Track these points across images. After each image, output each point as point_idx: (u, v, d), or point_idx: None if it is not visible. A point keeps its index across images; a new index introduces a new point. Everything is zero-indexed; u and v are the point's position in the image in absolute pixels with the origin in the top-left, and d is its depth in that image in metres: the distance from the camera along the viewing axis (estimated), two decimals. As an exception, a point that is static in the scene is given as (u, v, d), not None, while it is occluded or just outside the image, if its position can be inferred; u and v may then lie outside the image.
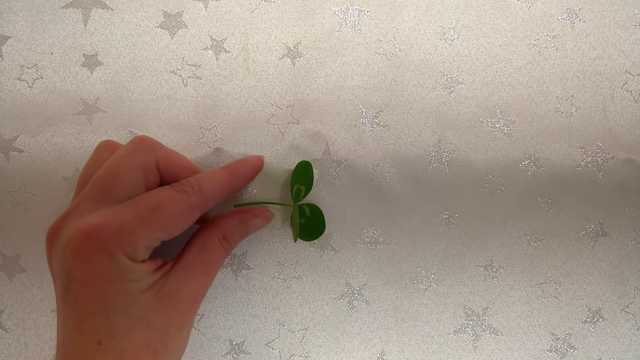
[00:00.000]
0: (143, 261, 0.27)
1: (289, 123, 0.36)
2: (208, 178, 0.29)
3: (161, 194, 0.27)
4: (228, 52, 0.36)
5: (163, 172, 0.29)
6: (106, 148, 0.30)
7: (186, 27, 0.36)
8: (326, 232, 0.36)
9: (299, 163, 0.35)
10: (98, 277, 0.25)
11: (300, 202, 0.35)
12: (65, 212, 0.27)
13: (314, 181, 0.35)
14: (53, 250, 0.26)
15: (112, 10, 0.36)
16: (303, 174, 0.34)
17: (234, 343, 0.35)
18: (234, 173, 0.32)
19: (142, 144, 0.28)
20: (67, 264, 0.25)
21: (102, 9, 0.36)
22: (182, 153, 0.35)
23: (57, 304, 0.27)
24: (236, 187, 0.32)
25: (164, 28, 0.36)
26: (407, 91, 0.37)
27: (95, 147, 0.34)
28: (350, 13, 0.37)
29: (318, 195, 0.36)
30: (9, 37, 0.35)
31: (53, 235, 0.27)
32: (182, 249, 0.30)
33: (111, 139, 0.35)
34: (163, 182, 0.30)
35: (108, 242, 0.25)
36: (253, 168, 0.34)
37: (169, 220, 0.27)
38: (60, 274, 0.26)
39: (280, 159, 0.36)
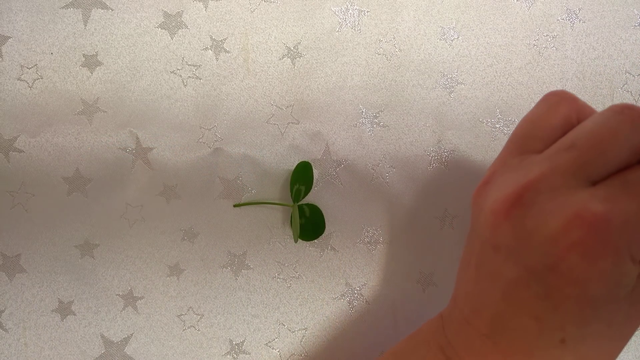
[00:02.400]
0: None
1: (289, 123, 0.36)
2: None
3: None
4: (228, 52, 0.36)
5: None
6: (563, 102, 0.25)
7: (186, 27, 0.36)
8: (326, 232, 0.36)
9: (298, 164, 0.35)
10: (595, 279, 0.21)
11: (300, 203, 0.35)
12: (534, 178, 0.22)
13: (314, 181, 0.36)
14: (518, 222, 0.22)
15: (112, 10, 0.36)
16: (303, 175, 0.35)
17: (234, 343, 0.36)
18: None
19: (634, 122, 0.22)
20: (557, 250, 0.21)
21: (102, 9, 0.36)
22: (181, 153, 0.35)
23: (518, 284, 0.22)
24: None
25: (164, 28, 0.36)
26: (407, 91, 0.37)
27: (94, 146, 0.35)
28: (350, 13, 0.37)
29: (318, 195, 0.36)
30: (9, 37, 0.35)
31: (522, 204, 0.22)
32: None
33: (109, 137, 0.35)
34: None
35: (616, 238, 0.20)
36: None
37: None
38: (530, 253, 0.22)
39: (280, 159, 0.36)
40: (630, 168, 0.22)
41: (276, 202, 0.35)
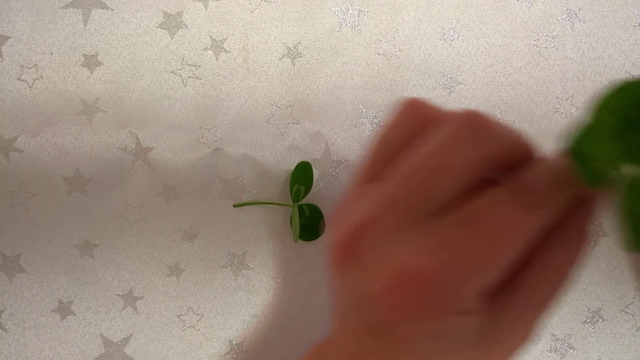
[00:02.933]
0: (473, 309, 0.19)
1: (288, 123, 0.36)
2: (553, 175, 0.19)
3: (498, 211, 0.18)
4: (228, 52, 0.36)
5: None
6: (417, 116, 0.21)
7: (186, 27, 0.36)
8: (326, 232, 0.36)
9: (298, 164, 0.35)
10: (422, 337, 0.19)
11: (300, 203, 0.35)
12: (361, 220, 0.19)
13: (314, 181, 0.36)
14: (348, 275, 0.20)
15: (112, 10, 0.36)
16: (302, 175, 0.35)
17: (233, 343, 0.35)
18: None
19: (480, 135, 0.19)
20: (381, 311, 0.19)
21: (102, 9, 0.36)
22: (181, 153, 0.35)
23: (342, 319, 0.21)
24: None
25: (164, 28, 0.36)
26: (407, 91, 0.37)
27: (94, 146, 0.35)
28: (350, 13, 0.37)
29: (318, 195, 0.36)
30: (9, 37, 0.35)
31: (349, 255, 0.19)
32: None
33: (109, 137, 0.35)
34: None
35: (437, 295, 0.18)
36: None
37: (511, 255, 0.18)
38: (362, 309, 0.20)
39: (280, 159, 0.36)
40: (469, 196, 0.19)
41: (276, 202, 0.35)
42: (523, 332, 0.21)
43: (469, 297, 0.18)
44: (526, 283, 0.20)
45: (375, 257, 0.19)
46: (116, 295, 0.35)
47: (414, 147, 0.20)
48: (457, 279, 0.18)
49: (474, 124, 0.19)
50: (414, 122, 0.21)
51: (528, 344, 0.21)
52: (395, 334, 0.19)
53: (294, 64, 0.36)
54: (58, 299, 0.35)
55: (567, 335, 0.37)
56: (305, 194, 0.35)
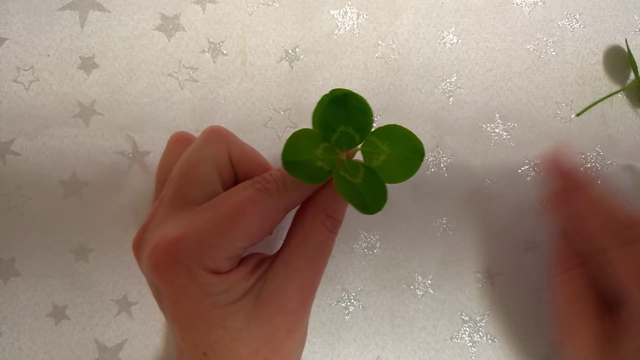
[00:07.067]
0: (230, 270, 0.24)
1: (286, 127, 0.36)
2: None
3: (240, 195, 0.24)
4: (225, 55, 0.36)
5: (237, 167, 0.27)
6: (178, 141, 0.29)
7: (183, 29, 0.36)
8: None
9: (329, 93, 0.23)
10: (183, 295, 0.23)
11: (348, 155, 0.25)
12: (147, 219, 0.26)
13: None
14: (140, 262, 0.25)
15: (109, 12, 0.36)
16: (346, 111, 0.22)
17: (229, 348, 0.35)
18: None
19: (213, 135, 0.26)
20: (152, 281, 0.25)
21: (99, 11, 0.36)
22: (178, 157, 0.35)
23: None
24: None
25: (161, 30, 0.36)
26: (405, 95, 0.36)
27: (91, 149, 0.35)
28: (349, 16, 0.37)
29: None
30: (6, 39, 0.35)
31: (137, 247, 0.26)
32: (284, 241, 0.27)
33: (106, 141, 0.35)
34: (238, 180, 0.27)
35: (185, 258, 0.23)
36: None
37: (251, 227, 0.24)
38: (151, 287, 0.26)
39: (278, 163, 0.35)
40: (228, 193, 0.25)
41: None
42: (291, 294, 0.25)
43: (217, 258, 0.24)
44: (284, 250, 0.26)
45: (149, 237, 0.25)
46: (111, 300, 0.35)
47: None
48: (201, 244, 0.23)
49: (211, 134, 0.26)
50: (179, 147, 0.28)
51: (302, 309, 0.26)
52: (162, 293, 0.24)
53: (292, 67, 0.36)
54: (52, 303, 0.34)
55: (565, 342, 0.36)
56: (361, 140, 0.23)
